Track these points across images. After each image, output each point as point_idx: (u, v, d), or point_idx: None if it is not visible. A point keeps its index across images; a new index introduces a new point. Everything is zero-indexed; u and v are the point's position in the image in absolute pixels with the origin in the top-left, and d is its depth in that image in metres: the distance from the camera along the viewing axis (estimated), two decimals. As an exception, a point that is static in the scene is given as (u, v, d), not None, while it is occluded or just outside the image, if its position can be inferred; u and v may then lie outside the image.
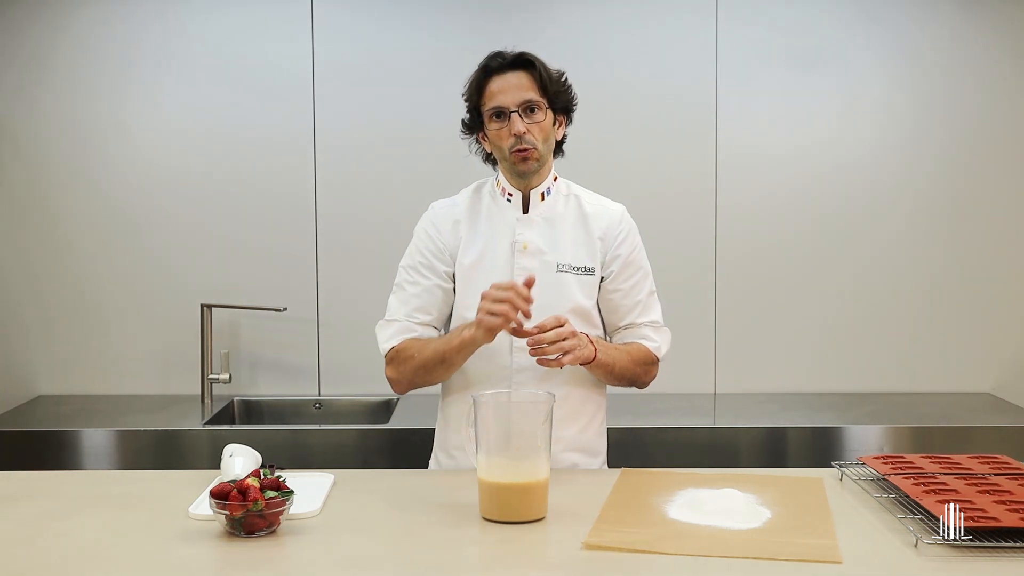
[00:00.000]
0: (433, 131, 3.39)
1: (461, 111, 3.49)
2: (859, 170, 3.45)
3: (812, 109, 3.44)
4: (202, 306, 3.33)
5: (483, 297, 1.93)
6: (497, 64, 2.08)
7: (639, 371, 2.14)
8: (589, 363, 2.03)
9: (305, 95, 3.40)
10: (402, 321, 2.13)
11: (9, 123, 3.39)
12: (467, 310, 2.10)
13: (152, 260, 3.42)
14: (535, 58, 2.09)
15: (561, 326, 1.94)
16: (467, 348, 2.01)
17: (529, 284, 1.92)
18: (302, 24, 3.39)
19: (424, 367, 2.07)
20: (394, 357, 2.12)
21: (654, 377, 2.20)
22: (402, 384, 2.13)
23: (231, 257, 3.43)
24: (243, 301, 3.38)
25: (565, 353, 1.94)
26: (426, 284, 2.13)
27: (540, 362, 1.96)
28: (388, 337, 2.13)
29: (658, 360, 2.18)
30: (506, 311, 1.89)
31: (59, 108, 3.38)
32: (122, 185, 3.41)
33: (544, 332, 1.92)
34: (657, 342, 2.17)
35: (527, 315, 1.92)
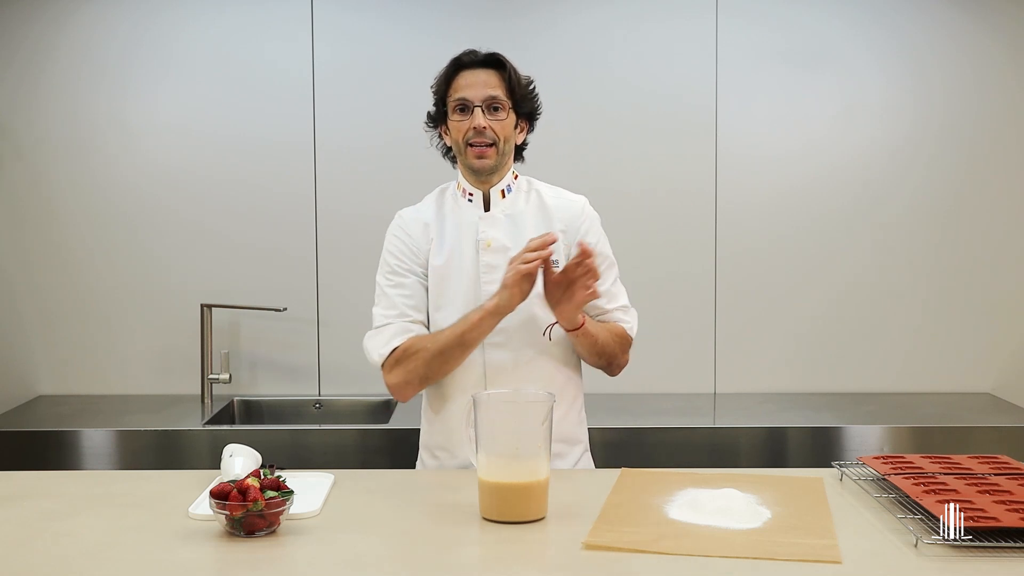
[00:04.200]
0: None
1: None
2: (858, 170, 3.45)
3: (812, 109, 3.44)
4: (202, 306, 3.33)
5: (512, 261, 1.99)
6: (468, 59, 2.13)
7: (617, 349, 2.15)
8: (577, 329, 2.04)
9: (305, 95, 3.40)
10: (396, 323, 2.13)
11: (9, 123, 3.39)
12: (437, 311, 2.13)
13: (152, 260, 3.42)
14: (506, 60, 2.13)
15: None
16: (488, 321, 2.01)
17: (549, 242, 1.96)
18: (302, 24, 3.39)
19: (441, 355, 2.05)
20: (399, 358, 2.09)
21: (626, 363, 2.21)
22: (411, 384, 2.10)
23: (231, 257, 3.43)
24: (243, 301, 3.38)
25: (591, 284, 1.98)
26: (410, 283, 2.15)
27: (578, 292, 1.97)
28: (385, 341, 2.11)
29: (631, 341, 2.20)
30: (542, 257, 1.94)
31: (59, 108, 3.38)
32: (122, 185, 3.41)
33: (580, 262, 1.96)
34: (630, 323, 2.20)
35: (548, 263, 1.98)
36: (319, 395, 3.45)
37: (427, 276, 2.16)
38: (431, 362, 2.06)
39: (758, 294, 3.48)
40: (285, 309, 3.37)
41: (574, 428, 2.21)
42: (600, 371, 2.22)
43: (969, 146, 3.45)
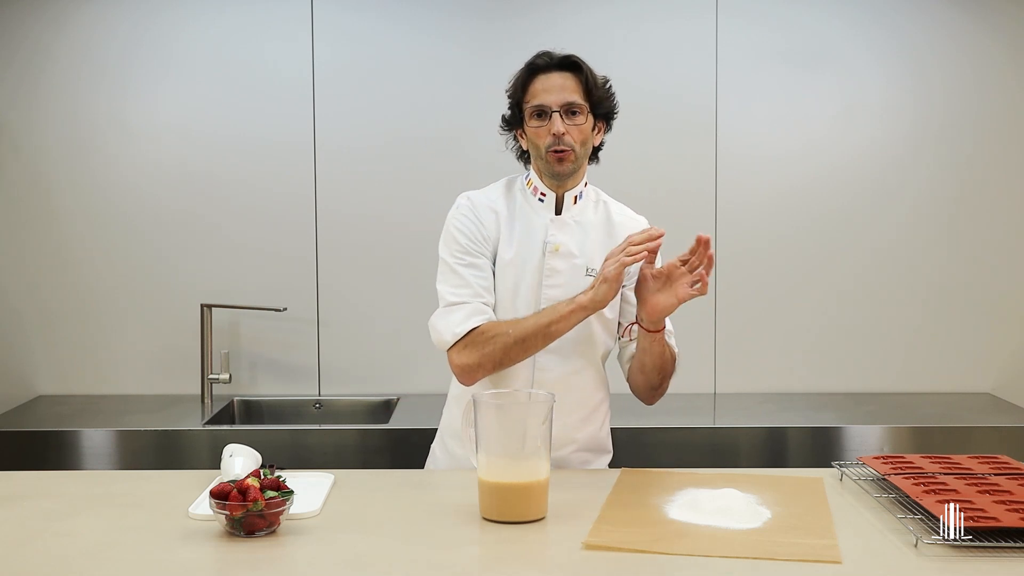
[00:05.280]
0: (433, 131, 3.39)
1: (462, 112, 3.49)
2: (859, 170, 3.45)
3: (812, 109, 3.44)
4: (202, 306, 3.33)
5: (610, 255, 1.99)
6: (544, 63, 2.08)
7: (670, 369, 2.13)
8: (659, 331, 2.04)
9: (305, 95, 3.40)
10: (472, 303, 2.04)
11: (9, 123, 3.39)
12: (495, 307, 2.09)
13: (152, 260, 3.42)
14: (582, 61, 2.09)
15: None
16: (578, 315, 1.99)
17: (656, 236, 1.98)
18: (302, 24, 3.39)
19: (523, 342, 2.00)
20: (475, 339, 2.01)
21: (665, 391, 2.18)
22: (483, 368, 2.03)
23: (231, 257, 3.43)
24: (243, 301, 3.38)
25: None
26: (483, 264, 2.09)
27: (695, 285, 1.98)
28: (460, 320, 2.03)
29: (674, 371, 2.18)
30: (648, 248, 1.95)
31: (59, 108, 3.38)
32: (122, 185, 3.41)
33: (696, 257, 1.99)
34: (677, 349, 2.17)
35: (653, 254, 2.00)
36: (319, 395, 3.45)
37: (494, 264, 2.11)
38: (511, 348, 2.00)
39: (758, 294, 3.48)
40: (285, 309, 3.37)
41: (605, 439, 2.22)
42: (633, 396, 2.21)
43: (969, 146, 3.45)
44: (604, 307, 2.01)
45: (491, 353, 2.01)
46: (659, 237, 1.97)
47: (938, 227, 3.47)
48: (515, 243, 2.11)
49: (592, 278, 2.07)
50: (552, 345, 2.05)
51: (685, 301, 1.99)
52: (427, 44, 3.40)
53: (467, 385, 2.08)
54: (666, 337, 2.12)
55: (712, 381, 3.49)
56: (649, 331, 2.05)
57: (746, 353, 3.49)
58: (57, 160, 3.39)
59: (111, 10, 3.38)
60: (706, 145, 3.44)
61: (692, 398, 3.41)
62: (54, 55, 3.37)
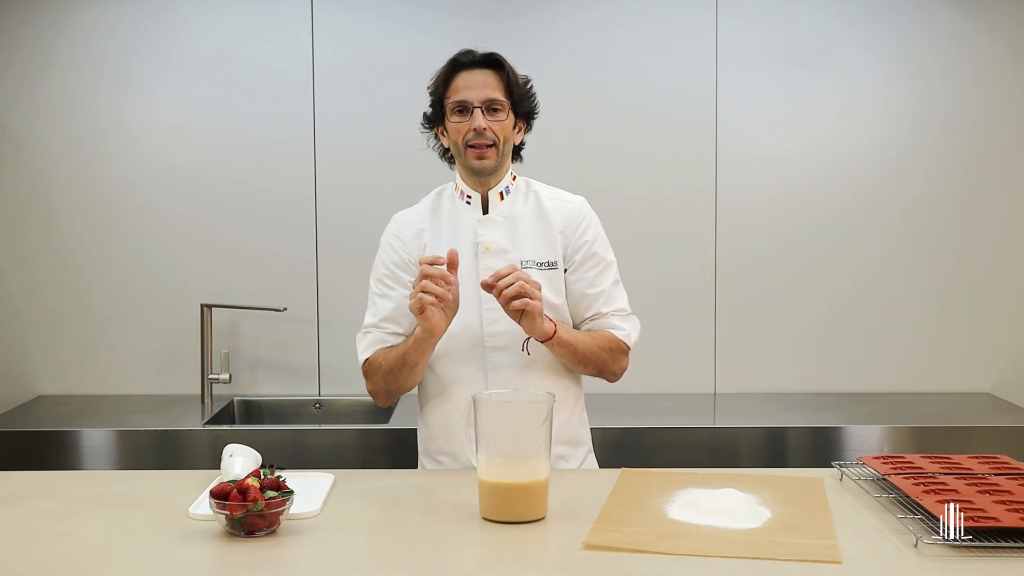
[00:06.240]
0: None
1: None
2: (858, 170, 3.45)
3: (812, 109, 3.44)
4: (202, 306, 3.33)
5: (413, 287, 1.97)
6: (466, 60, 2.11)
7: (606, 357, 2.12)
8: (549, 339, 2.02)
9: (305, 95, 3.40)
10: (373, 332, 2.16)
11: (9, 123, 3.39)
12: None
13: (152, 260, 3.42)
14: (504, 60, 2.12)
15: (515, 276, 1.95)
16: (420, 345, 2.02)
17: (452, 262, 1.94)
18: (302, 24, 3.39)
19: (391, 372, 2.09)
20: (368, 369, 2.15)
21: (625, 368, 2.17)
22: (379, 395, 2.15)
23: (231, 257, 3.43)
24: (243, 301, 3.38)
25: (521, 298, 1.92)
26: (393, 295, 2.15)
27: (507, 307, 1.94)
28: (363, 350, 2.17)
29: (628, 349, 2.16)
30: (434, 290, 1.91)
31: (59, 108, 3.38)
32: (122, 185, 3.41)
33: (502, 277, 1.94)
34: (625, 330, 2.15)
35: (448, 285, 1.94)
36: (319, 395, 3.45)
37: None
38: (387, 377, 2.11)
39: (758, 294, 3.48)
40: (285, 309, 3.37)
41: (577, 430, 2.21)
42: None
43: (969, 146, 3.45)
44: (435, 335, 1.99)
45: (377, 383, 2.14)
46: (435, 263, 1.93)
47: (938, 227, 3.47)
48: (443, 252, 2.09)
49: (528, 270, 2.08)
50: (498, 343, 2.08)
51: (515, 313, 1.95)
52: (427, 44, 3.40)
53: (383, 406, 2.20)
54: (613, 320, 2.13)
55: (712, 381, 3.49)
56: (540, 341, 2.04)
57: (746, 353, 3.49)
58: (57, 160, 3.40)
59: (111, 10, 3.38)
60: (706, 145, 3.44)
61: (692, 398, 3.41)
62: (54, 55, 3.37)
